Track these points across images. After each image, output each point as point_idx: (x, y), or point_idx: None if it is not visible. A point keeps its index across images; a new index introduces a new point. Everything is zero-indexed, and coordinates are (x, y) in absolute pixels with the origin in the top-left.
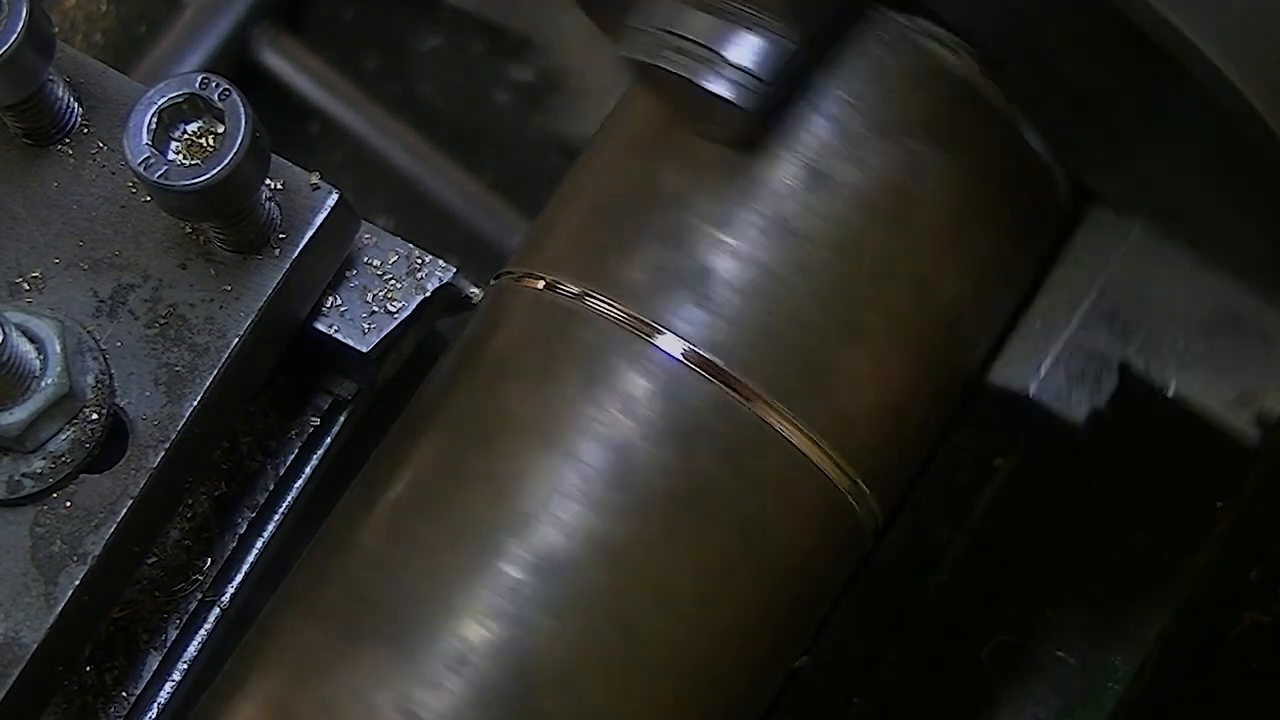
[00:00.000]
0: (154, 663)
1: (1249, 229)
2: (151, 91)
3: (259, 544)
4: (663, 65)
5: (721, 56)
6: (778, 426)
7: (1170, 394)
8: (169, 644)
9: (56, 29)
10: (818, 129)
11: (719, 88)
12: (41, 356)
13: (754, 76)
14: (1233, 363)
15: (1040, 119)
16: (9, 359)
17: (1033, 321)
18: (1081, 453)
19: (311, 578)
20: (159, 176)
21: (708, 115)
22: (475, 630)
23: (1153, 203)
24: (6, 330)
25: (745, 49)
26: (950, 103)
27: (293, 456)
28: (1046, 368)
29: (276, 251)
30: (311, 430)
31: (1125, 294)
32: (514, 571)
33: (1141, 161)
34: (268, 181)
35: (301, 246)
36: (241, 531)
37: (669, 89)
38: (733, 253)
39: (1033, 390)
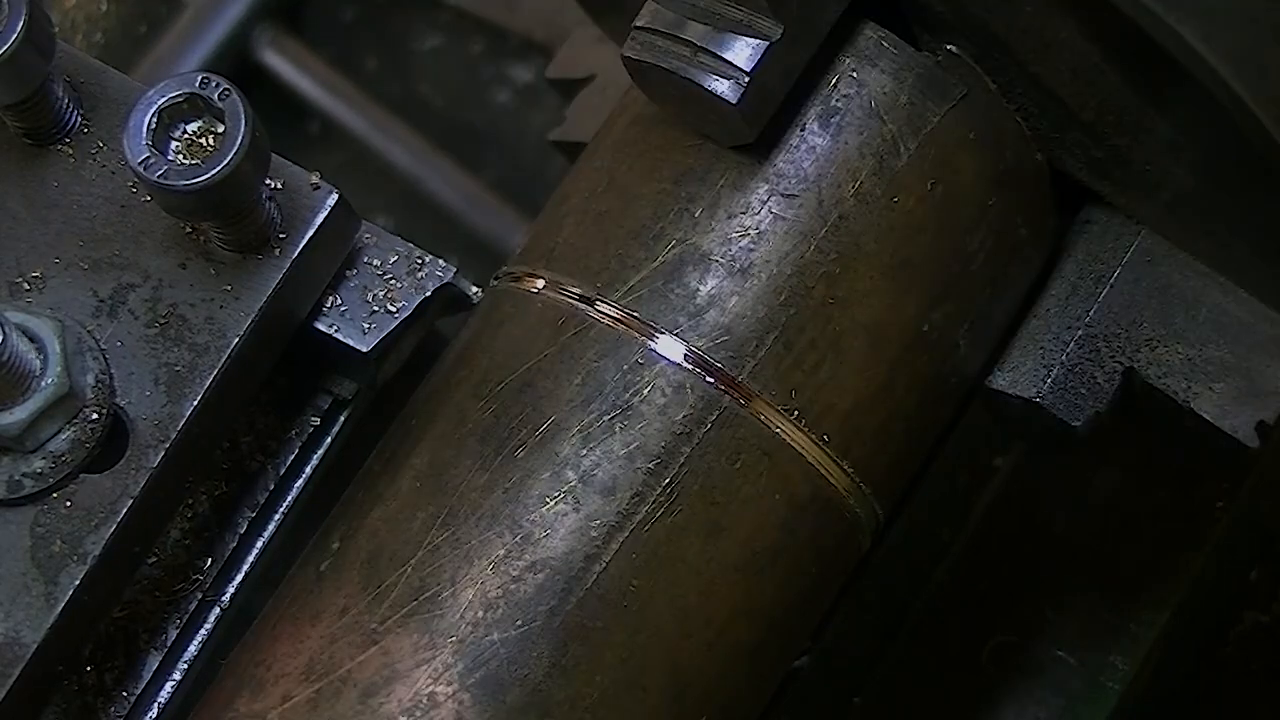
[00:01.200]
0: (154, 663)
1: (1249, 238)
2: (151, 91)
3: (259, 544)
4: (662, 65)
5: (716, 56)
6: (777, 427)
7: (1175, 399)
8: (169, 644)
9: (56, 29)
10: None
11: (713, 84)
12: (41, 356)
13: (742, 72)
14: (1234, 370)
15: (1039, 124)
16: (9, 359)
17: (1038, 328)
18: (1082, 454)
19: (304, 580)
20: (159, 176)
21: (705, 114)
22: (474, 614)
23: (1160, 208)
24: (6, 330)
25: (736, 49)
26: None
27: (293, 456)
28: (1054, 376)
29: (276, 251)
30: (311, 430)
31: (1130, 302)
32: (511, 572)
33: (1150, 168)
34: (268, 181)
35: (301, 246)
36: (241, 531)
37: (668, 90)
38: (733, 253)
39: (1039, 397)
